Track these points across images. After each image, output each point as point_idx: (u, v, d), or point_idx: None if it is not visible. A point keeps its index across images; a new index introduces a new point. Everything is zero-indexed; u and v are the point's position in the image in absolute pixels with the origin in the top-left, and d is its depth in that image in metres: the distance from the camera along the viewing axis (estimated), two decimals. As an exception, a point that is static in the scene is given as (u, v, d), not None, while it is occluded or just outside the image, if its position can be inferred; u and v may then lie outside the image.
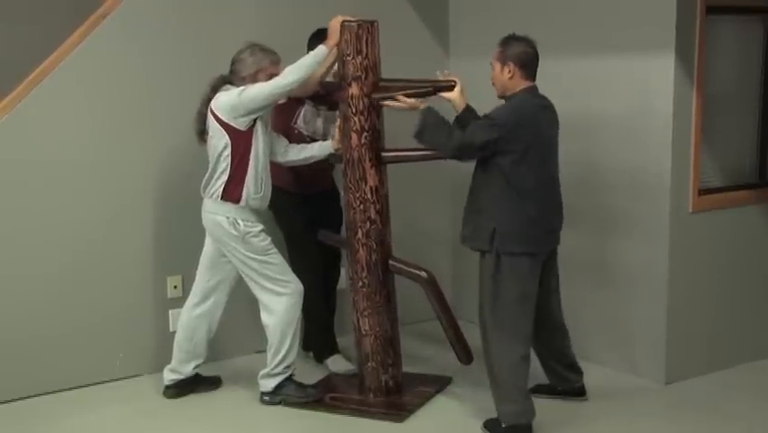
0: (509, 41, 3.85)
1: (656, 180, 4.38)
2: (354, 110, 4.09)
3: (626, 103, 4.48)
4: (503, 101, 3.89)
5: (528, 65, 3.83)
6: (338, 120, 4.25)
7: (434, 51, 5.42)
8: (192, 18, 4.62)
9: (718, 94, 4.55)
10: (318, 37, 4.41)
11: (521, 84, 3.83)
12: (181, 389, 4.36)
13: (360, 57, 4.06)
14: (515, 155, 3.71)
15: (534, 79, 3.86)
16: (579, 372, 4.27)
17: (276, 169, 4.28)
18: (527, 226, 3.78)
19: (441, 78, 4.04)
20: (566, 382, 4.25)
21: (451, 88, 3.98)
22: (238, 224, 4.08)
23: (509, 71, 3.81)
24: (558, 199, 3.95)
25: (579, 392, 4.27)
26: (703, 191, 4.48)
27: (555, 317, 4.15)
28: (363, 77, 4.07)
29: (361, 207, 4.16)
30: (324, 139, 4.51)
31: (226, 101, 4.01)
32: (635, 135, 4.45)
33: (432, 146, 3.95)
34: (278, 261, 4.17)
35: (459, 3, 5.41)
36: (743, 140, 4.77)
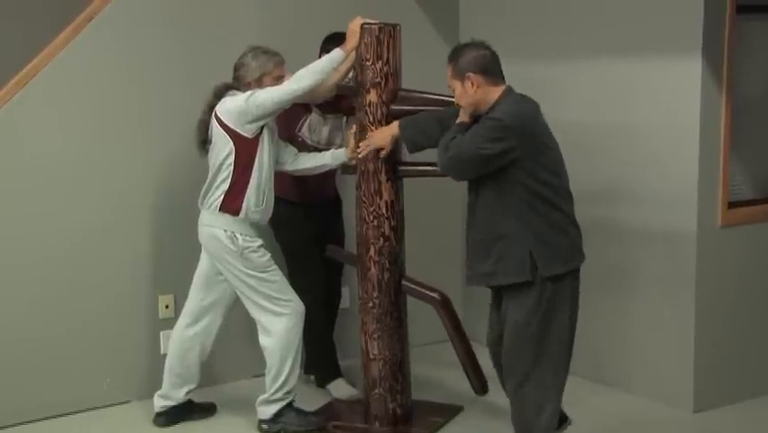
0: (457, 52, 3.48)
1: (682, 192, 4.22)
2: (372, 119, 3.96)
3: (649, 109, 4.33)
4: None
5: (490, 68, 3.42)
6: (353, 127, 4.09)
7: (445, 54, 5.23)
8: (184, 19, 4.51)
9: (749, 99, 4.40)
10: (333, 41, 4.26)
11: (494, 91, 3.42)
12: (173, 416, 4.22)
13: (380, 62, 3.92)
14: (534, 160, 3.34)
15: (504, 81, 3.50)
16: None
17: (277, 177, 4.10)
18: (565, 241, 3.40)
19: None
20: None
21: None
22: (236, 238, 3.94)
23: (472, 83, 3.40)
24: (573, 207, 3.55)
25: (562, 419, 3.75)
26: (733, 204, 4.32)
27: None
28: (383, 83, 3.93)
29: (375, 222, 3.99)
30: (329, 148, 4.34)
31: (233, 107, 3.89)
32: (659, 144, 4.30)
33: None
34: (277, 278, 4.02)
35: (470, 4, 5.30)
36: (776, 149, 4.63)
